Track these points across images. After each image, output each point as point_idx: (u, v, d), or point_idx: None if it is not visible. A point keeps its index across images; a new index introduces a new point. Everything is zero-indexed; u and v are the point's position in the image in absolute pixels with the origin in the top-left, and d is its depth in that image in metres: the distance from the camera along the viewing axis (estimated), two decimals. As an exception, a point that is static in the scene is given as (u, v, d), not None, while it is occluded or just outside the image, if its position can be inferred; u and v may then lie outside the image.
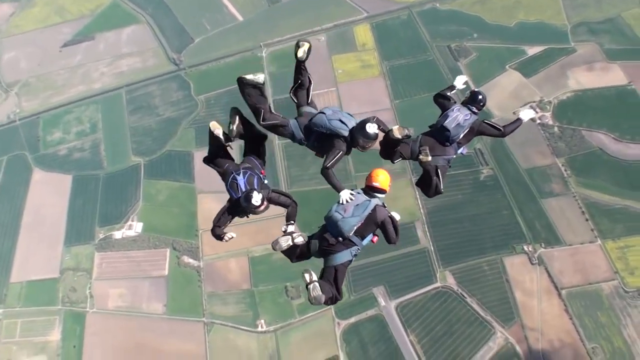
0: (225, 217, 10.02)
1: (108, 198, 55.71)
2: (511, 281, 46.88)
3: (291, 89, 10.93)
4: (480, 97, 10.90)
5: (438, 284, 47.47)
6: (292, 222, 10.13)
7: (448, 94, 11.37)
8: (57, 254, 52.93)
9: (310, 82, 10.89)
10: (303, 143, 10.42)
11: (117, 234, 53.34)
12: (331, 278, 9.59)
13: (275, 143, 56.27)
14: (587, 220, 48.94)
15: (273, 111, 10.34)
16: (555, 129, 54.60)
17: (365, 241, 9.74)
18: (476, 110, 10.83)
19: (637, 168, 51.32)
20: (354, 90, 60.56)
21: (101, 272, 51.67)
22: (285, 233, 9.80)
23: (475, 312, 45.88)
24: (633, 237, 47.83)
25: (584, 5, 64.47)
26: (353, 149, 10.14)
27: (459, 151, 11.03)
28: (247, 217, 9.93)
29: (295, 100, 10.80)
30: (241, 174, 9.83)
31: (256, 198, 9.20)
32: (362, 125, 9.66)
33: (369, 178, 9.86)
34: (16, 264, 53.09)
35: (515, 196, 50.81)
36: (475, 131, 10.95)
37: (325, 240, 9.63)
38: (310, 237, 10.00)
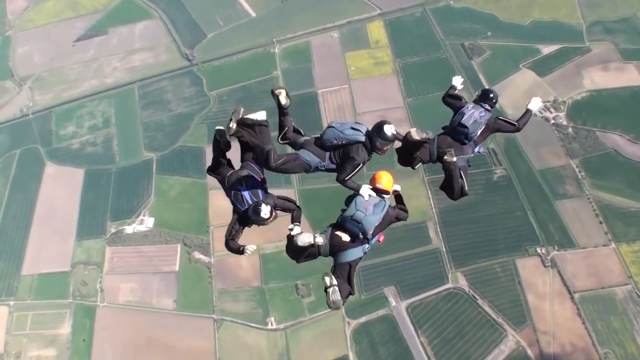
0: (237, 228, 9.89)
1: (120, 193, 55.77)
2: (523, 283, 46.53)
3: (279, 136, 10.50)
4: (492, 94, 10.90)
5: (450, 285, 47.22)
6: (298, 223, 10.01)
7: (454, 93, 11.32)
8: (68, 248, 53.06)
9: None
10: (321, 167, 10.00)
11: (129, 229, 53.42)
12: (345, 274, 9.70)
13: (288, 140, 56.08)
14: (601, 223, 48.52)
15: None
16: (570, 129, 54.21)
17: (374, 240, 9.88)
18: (489, 108, 10.77)
19: (652, 171, 50.80)
20: (367, 87, 60.35)
21: (112, 267, 51.76)
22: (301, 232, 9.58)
23: (486, 314, 45.61)
24: (648, 241, 47.51)
25: (599, 4, 63.96)
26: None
27: (476, 150, 10.95)
28: (258, 226, 9.72)
29: (289, 140, 10.45)
30: (244, 186, 9.70)
31: (265, 211, 9.19)
32: (379, 126, 9.60)
33: (373, 180, 10.06)
34: (28, 257, 53.22)
35: (528, 197, 50.47)
36: (491, 128, 10.90)
37: (338, 238, 9.71)
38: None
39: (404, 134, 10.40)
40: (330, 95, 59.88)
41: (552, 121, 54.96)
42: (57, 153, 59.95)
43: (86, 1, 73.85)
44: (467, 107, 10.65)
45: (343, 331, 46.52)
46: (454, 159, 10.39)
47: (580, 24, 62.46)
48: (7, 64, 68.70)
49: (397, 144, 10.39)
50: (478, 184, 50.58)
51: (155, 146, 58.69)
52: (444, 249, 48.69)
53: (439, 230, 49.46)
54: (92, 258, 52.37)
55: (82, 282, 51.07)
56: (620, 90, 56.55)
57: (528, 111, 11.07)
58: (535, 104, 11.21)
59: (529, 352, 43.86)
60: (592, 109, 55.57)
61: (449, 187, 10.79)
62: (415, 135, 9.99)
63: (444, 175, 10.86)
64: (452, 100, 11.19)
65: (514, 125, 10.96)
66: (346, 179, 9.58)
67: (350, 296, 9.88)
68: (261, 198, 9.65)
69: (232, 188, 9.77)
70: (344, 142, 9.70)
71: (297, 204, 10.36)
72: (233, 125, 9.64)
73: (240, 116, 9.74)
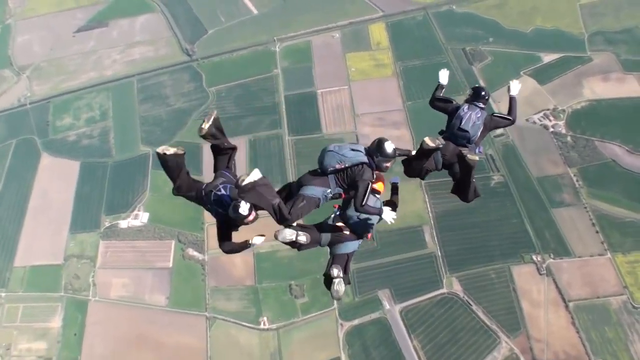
0: (225, 233, 9.78)
1: (115, 186, 55.53)
2: (518, 291, 46.39)
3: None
4: (483, 92, 10.86)
5: (444, 290, 47.03)
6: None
7: (441, 95, 11.25)
8: (61, 241, 52.80)
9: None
10: (329, 196, 9.73)
11: (123, 223, 53.16)
12: (343, 264, 9.86)
13: (286, 139, 56.17)
14: (597, 232, 48.43)
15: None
16: (569, 138, 54.22)
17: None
18: (483, 106, 10.78)
19: (650, 181, 50.83)
20: (367, 89, 60.32)
21: (105, 261, 51.48)
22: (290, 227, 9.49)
23: (480, 320, 45.43)
24: (644, 252, 47.53)
25: (602, 14, 64.03)
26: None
27: (477, 150, 10.82)
28: (237, 229, 9.66)
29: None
30: (221, 189, 9.46)
31: (243, 208, 8.91)
32: (379, 144, 9.39)
33: None
34: (20, 248, 53.01)
35: (525, 204, 50.36)
36: (489, 127, 10.94)
37: (339, 230, 9.94)
38: (319, 227, 10.20)
39: (406, 148, 10.64)
40: (329, 95, 59.75)
41: (551, 129, 55.01)
42: (53, 144, 59.72)
43: (88, -8, 73.65)
44: (463, 110, 10.65)
45: (336, 333, 46.28)
46: (477, 158, 10.19)
47: (582, 34, 62.55)
48: (7, 53, 68.66)
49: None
50: (475, 189, 50.43)
51: (152, 141, 58.25)
52: (440, 254, 48.49)
53: (434, 234, 49.27)
54: (85, 252, 52.09)
55: (75, 275, 50.78)
56: (620, 100, 56.56)
57: (512, 98, 11.15)
58: (515, 88, 11.23)
59: (522, 359, 43.71)
60: (592, 118, 55.60)
61: (463, 190, 10.74)
62: (431, 143, 9.78)
63: (451, 180, 10.90)
64: (443, 104, 11.17)
65: (509, 119, 11.01)
66: (363, 204, 9.27)
67: (348, 285, 10.00)
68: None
69: (210, 195, 9.53)
70: (346, 165, 9.42)
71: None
72: (205, 125, 9.50)
73: (213, 118, 9.63)
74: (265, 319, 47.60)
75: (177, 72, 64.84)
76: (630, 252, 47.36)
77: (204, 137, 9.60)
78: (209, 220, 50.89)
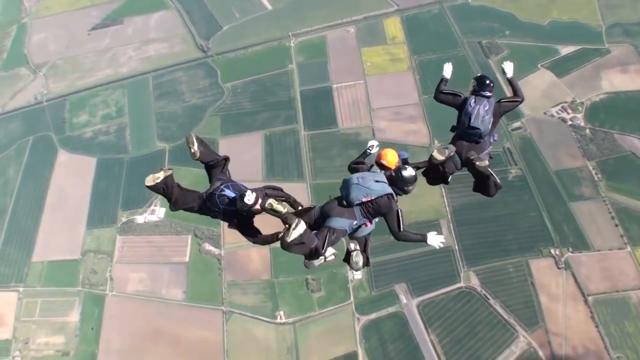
0: (248, 228, 10.18)
1: (132, 182, 55.56)
2: (536, 285, 45.97)
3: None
4: (487, 80, 10.76)
5: (461, 284, 46.74)
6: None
7: (447, 89, 11.21)
8: (79, 236, 53.02)
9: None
10: (355, 227, 9.95)
11: (140, 219, 53.31)
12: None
13: (302, 134, 56.09)
14: (616, 225, 47.90)
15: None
16: (587, 131, 53.67)
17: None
18: (489, 94, 10.69)
19: (670, 174, 50.16)
20: (382, 83, 60.03)
21: (122, 256, 51.65)
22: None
23: (498, 314, 45.10)
24: (664, 245, 46.88)
25: (620, 5, 63.31)
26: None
27: (492, 140, 10.98)
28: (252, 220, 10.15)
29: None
30: (225, 190, 9.87)
31: (249, 197, 9.24)
32: (399, 175, 9.63)
33: (377, 156, 10.49)
34: (38, 244, 53.26)
35: (543, 198, 49.90)
36: (499, 114, 10.89)
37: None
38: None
39: (422, 160, 10.83)
40: (345, 90, 59.54)
41: (570, 122, 54.49)
42: (69, 141, 59.96)
43: (102, -10, 73.97)
44: (470, 105, 10.58)
45: (352, 327, 46.13)
46: (486, 162, 10.44)
47: (600, 26, 61.85)
48: (23, 51, 69.06)
49: None
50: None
51: (168, 136, 58.55)
52: (457, 248, 48.14)
53: (452, 228, 48.93)
54: (102, 247, 52.30)
55: (92, 270, 50.99)
56: (639, 93, 55.69)
57: (511, 80, 11.18)
58: (510, 69, 11.27)
59: (540, 353, 43.30)
60: (610, 111, 54.99)
61: (484, 187, 10.88)
62: (439, 156, 10.15)
63: (473, 179, 11.00)
64: (450, 98, 11.12)
65: (518, 100, 11.03)
66: (402, 229, 9.54)
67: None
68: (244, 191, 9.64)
69: (214, 198, 9.90)
70: (372, 198, 9.60)
71: (287, 194, 10.68)
72: (194, 148, 10.17)
73: (195, 139, 10.22)
74: (281, 313, 47.54)
75: (192, 68, 64.89)
76: (650, 245, 46.88)
77: (200, 159, 10.25)
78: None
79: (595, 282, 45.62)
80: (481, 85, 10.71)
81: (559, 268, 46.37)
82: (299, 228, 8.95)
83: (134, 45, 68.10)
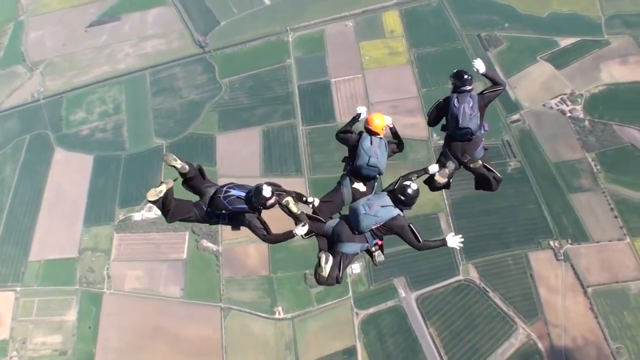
0: (260, 226, 10.02)
1: (129, 179, 55.49)
2: (536, 277, 45.81)
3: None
4: (465, 74, 10.64)
5: (460, 277, 46.58)
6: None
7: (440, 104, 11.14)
8: (76, 234, 52.85)
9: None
10: (365, 249, 10.14)
11: (137, 216, 53.12)
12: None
13: (300, 129, 55.92)
14: (616, 217, 47.75)
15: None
16: (586, 122, 53.47)
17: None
18: (470, 88, 10.62)
19: (669, 166, 49.91)
20: (381, 77, 59.84)
21: (119, 253, 51.46)
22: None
23: (497, 307, 44.94)
24: (663, 236, 46.63)
25: (619, -4, 62.88)
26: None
27: (483, 131, 10.95)
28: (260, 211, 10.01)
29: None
30: (230, 190, 9.82)
31: (266, 190, 9.35)
32: (403, 191, 9.65)
33: (365, 122, 10.73)
34: (35, 242, 53.04)
35: (542, 190, 49.71)
36: (484, 105, 10.83)
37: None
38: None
39: (421, 168, 10.97)
40: (343, 84, 59.30)
41: (569, 114, 54.32)
42: (66, 139, 59.77)
43: (99, -13, 73.78)
44: (454, 105, 10.51)
45: (351, 322, 45.96)
46: (479, 163, 10.78)
47: (599, 17, 61.62)
48: (20, 49, 68.88)
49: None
50: (491, 175, 49.87)
51: (165, 133, 58.38)
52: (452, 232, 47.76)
53: (450, 221, 48.69)
54: (99, 244, 52.12)
55: (89, 268, 50.82)
56: (639, 84, 55.66)
57: (486, 74, 10.99)
58: (481, 65, 11.12)
59: (540, 345, 43.17)
60: (610, 102, 54.81)
61: (486, 184, 11.22)
62: (442, 179, 10.55)
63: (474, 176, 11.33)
64: (439, 114, 11.15)
65: (499, 89, 10.94)
66: (423, 241, 9.83)
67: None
68: (251, 188, 9.78)
69: (219, 201, 9.83)
70: (382, 223, 9.69)
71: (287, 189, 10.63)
72: (179, 164, 10.15)
73: (175, 156, 10.17)
74: (280, 308, 47.37)
75: (189, 64, 64.71)
76: (649, 236, 46.69)
77: (186, 173, 10.27)
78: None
79: (594, 273, 45.46)
80: (460, 80, 10.60)
81: (558, 260, 46.20)
82: (330, 261, 9.49)
83: (132, 42, 67.87)
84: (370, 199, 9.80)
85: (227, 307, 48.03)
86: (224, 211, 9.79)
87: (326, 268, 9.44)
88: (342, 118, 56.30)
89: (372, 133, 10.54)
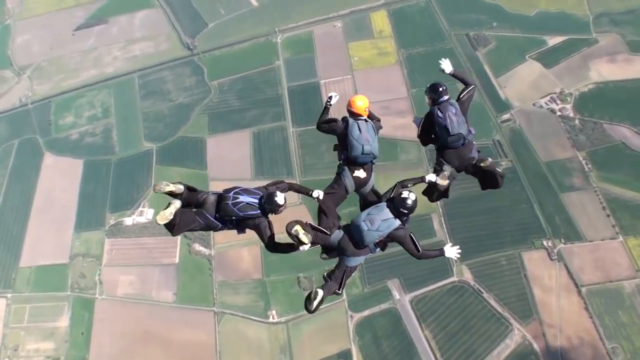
0: (270, 233, 9.93)
1: (119, 184, 55.11)
2: (529, 277, 45.96)
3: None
4: (438, 86, 10.62)
5: (454, 278, 46.62)
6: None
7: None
8: (67, 240, 52.42)
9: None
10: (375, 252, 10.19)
11: (128, 220, 52.74)
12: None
13: (290, 131, 55.75)
14: (608, 215, 47.98)
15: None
16: (576, 121, 53.69)
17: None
18: (447, 97, 10.58)
19: (660, 163, 50.16)
20: (370, 78, 59.75)
21: (111, 259, 51.09)
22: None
23: (492, 307, 45.03)
24: (656, 234, 46.86)
25: (606, -5, 63.17)
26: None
27: (471, 135, 10.78)
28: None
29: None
30: (238, 197, 9.65)
31: (280, 198, 9.45)
32: (402, 203, 9.57)
33: (348, 104, 10.73)
34: (26, 249, 52.57)
35: (534, 189, 49.86)
36: (465, 110, 10.79)
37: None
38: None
39: (419, 177, 10.69)
40: (333, 85, 59.06)
41: (559, 113, 54.55)
42: (56, 143, 59.25)
43: (86, -10, 73.20)
44: (438, 116, 10.45)
45: (346, 325, 45.90)
46: (490, 160, 10.71)
47: (587, 15, 61.88)
48: (7, 53, 68.12)
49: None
50: (482, 176, 49.95)
51: (155, 137, 58.03)
52: (449, 242, 47.73)
53: (443, 222, 48.77)
54: (90, 250, 51.73)
55: (81, 274, 50.43)
56: (628, 82, 56.16)
57: (454, 73, 11.12)
58: (447, 66, 11.22)
59: (535, 346, 43.28)
60: (599, 101, 55.08)
61: (491, 183, 11.15)
62: (444, 181, 10.39)
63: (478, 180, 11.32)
64: (427, 131, 11.04)
65: (471, 89, 10.95)
66: (422, 251, 9.83)
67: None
68: (260, 194, 9.73)
69: (227, 207, 9.67)
70: (385, 236, 9.72)
71: (290, 183, 10.74)
72: (178, 186, 9.88)
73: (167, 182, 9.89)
74: (274, 312, 47.25)
75: (178, 67, 64.32)
76: (642, 234, 46.94)
77: (184, 194, 9.99)
78: (215, 215, 50.57)
79: (588, 272, 45.64)
80: (436, 93, 10.59)
81: (551, 260, 46.38)
82: (319, 297, 9.64)
83: (119, 45, 67.38)
84: (371, 213, 9.73)
85: (220, 311, 47.83)
86: (233, 217, 9.71)
87: (314, 304, 9.64)
88: (332, 119, 56.09)
89: (355, 115, 10.63)
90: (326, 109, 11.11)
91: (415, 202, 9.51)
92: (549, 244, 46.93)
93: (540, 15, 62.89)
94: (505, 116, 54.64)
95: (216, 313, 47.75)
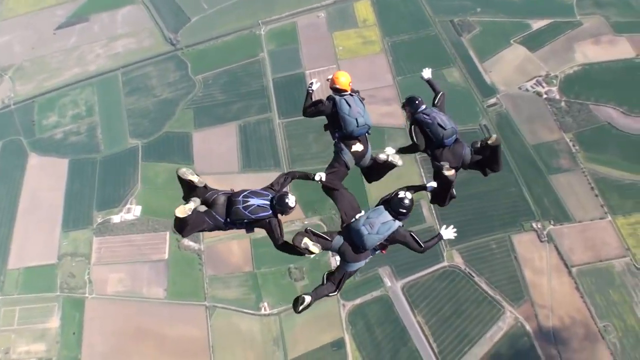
0: (279, 232, 10.09)
1: (106, 182, 54.67)
2: (520, 259, 46.03)
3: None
4: (416, 100, 11.09)
5: (445, 264, 46.60)
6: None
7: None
8: (54, 240, 51.93)
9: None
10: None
11: (116, 218, 52.33)
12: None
13: (276, 122, 55.50)
14: (596, 196, 48.14)
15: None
16: (562, 103, 53.79)
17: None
18: (424, 105, 11.04)
19: (646, 142, 50.30)
20: (356, 67, 59.11)
21: (100, 257, 50.67)
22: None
23: (483, 291, 45.05)
24: (644, 213, 47.05)
25: (590, -23, 63.18)
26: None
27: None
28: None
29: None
30: (248, 200, 9.77)
31: (291, 200, 9.69)
32: (400, 204, 9.77)
33: (331, 82, 10.99)
34: (13, 250, 52.05)
35: (522, 172, 49.90)
36: (444, 109, 11.27)
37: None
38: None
39: (419, 184, 11.27)
40: (318, 75, 58.62)
41: (545, 96, 54.63)
42: (40, 143, 58.68)
43: (67, -13, 72.54)
44: (428, 119, 10.71)
45: (338, 314, 45.75)
46: (495, 136, 10.87)
47: (571, -2, 61.79)
48: (-13, 55, 67.42)
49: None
50: (470, 160, 49.94)
51: (140, 133, 57.58)
52: (439, 227, 47.53)
53: (432, 208, 48.51)
54: (79, 249, 51.29)
55: (70, 274, 50.00)
56: (613, 63, 56.48)
57: (428, 81, 11.73)
58: (427, 73, 11.83)
59: (528, 327, 43.38)
60: (585, 82, 55.27)
61: (494, 163, 11.24)
62: (450, 172, 10.59)
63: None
64: (420, 134, 11.10)
65: (442, 97, 11.44)
66: (422, 246, 10.04)
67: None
68: (269, 195, 9.89)
69: (238, 210, 9.75)
70: (385, 238, 9.86)
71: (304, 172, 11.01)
72: (198, 179, 10.08)
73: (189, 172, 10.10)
74: (265, 304, 47.03)
75: (161, 62, 63.86)
76: (630, 214, 47.22)
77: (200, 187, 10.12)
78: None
79: (578, 253, 45.79)
80: (413, 105, 11.00)
81: (541, 241, 46.47)
82: (306, 303, 10.25)
83: (102, 42, 66.84)
84: (370, 217, 9.85)
85: (212, 305, 47.58)
86: (245, 220, 9.80)
87: (300, 308, 10.22)
88: (318, 109, 55.95)
89: (340, 92, 10.78)
90: (309, 94, 11.18)
91: (412, 201, 9.78)
92: (539, 226, 47.01)
93: (524, -1, 62.86)
94: (492, 101, 54.63)
95: (208, 307, 47.49)
